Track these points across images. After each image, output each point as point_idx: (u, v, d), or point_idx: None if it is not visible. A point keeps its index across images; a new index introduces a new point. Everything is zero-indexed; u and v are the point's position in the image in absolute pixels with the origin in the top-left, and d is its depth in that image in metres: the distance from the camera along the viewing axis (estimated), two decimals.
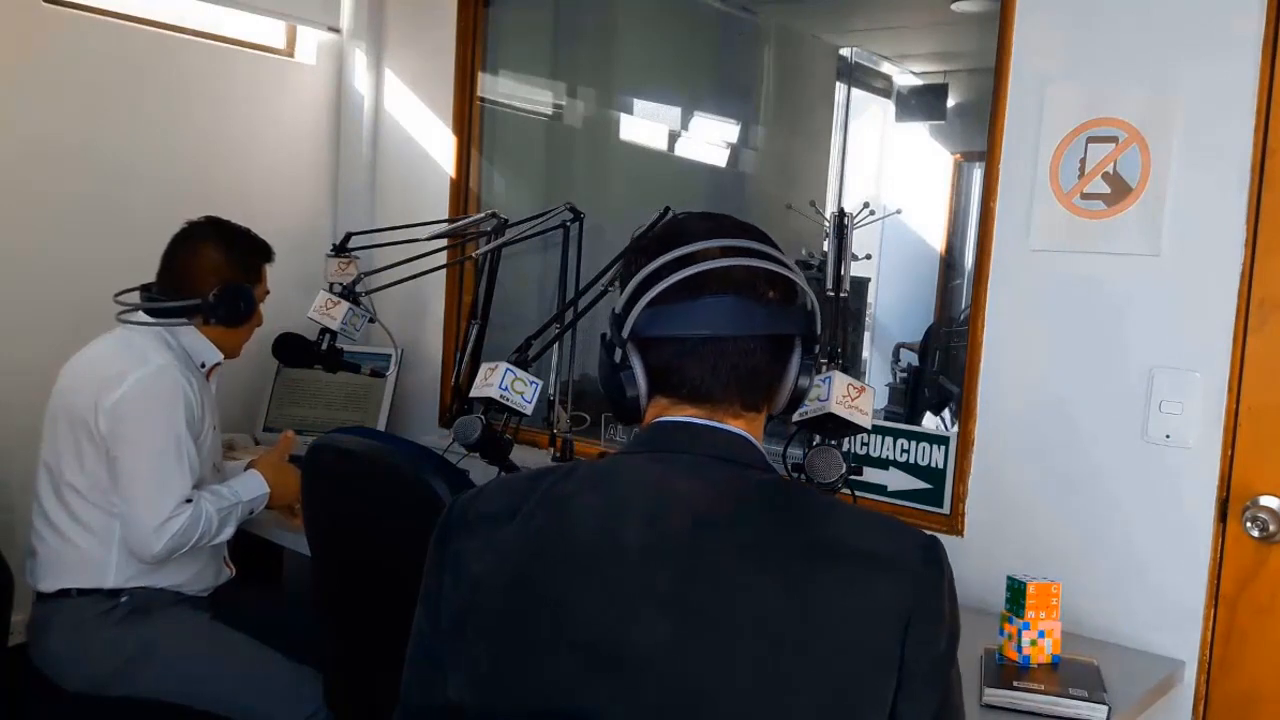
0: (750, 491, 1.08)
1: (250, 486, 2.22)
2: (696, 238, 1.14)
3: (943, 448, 2.27)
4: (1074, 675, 1.72)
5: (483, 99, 3.10)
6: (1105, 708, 1.61)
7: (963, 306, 2.50)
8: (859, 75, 3.07)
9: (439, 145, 3.12)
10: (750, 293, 1.12)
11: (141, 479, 2.04)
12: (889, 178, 3.02)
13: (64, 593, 2.09)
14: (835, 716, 0.98)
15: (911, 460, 2.31)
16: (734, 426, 1.12)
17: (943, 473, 2.26)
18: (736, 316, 1.11)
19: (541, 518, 1.09)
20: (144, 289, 2.22)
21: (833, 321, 2.07)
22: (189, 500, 2.08)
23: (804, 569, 1.00)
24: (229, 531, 2.17)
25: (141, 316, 2.17)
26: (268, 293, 2.33)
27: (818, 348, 1.18)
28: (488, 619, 1.07)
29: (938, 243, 2.91)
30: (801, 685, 0.98)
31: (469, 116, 3.09)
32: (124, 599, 2.10)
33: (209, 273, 2.20)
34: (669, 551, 1.03)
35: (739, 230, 1.18)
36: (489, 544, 1.09)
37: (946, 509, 2.23)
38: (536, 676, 1.04)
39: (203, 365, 2.22)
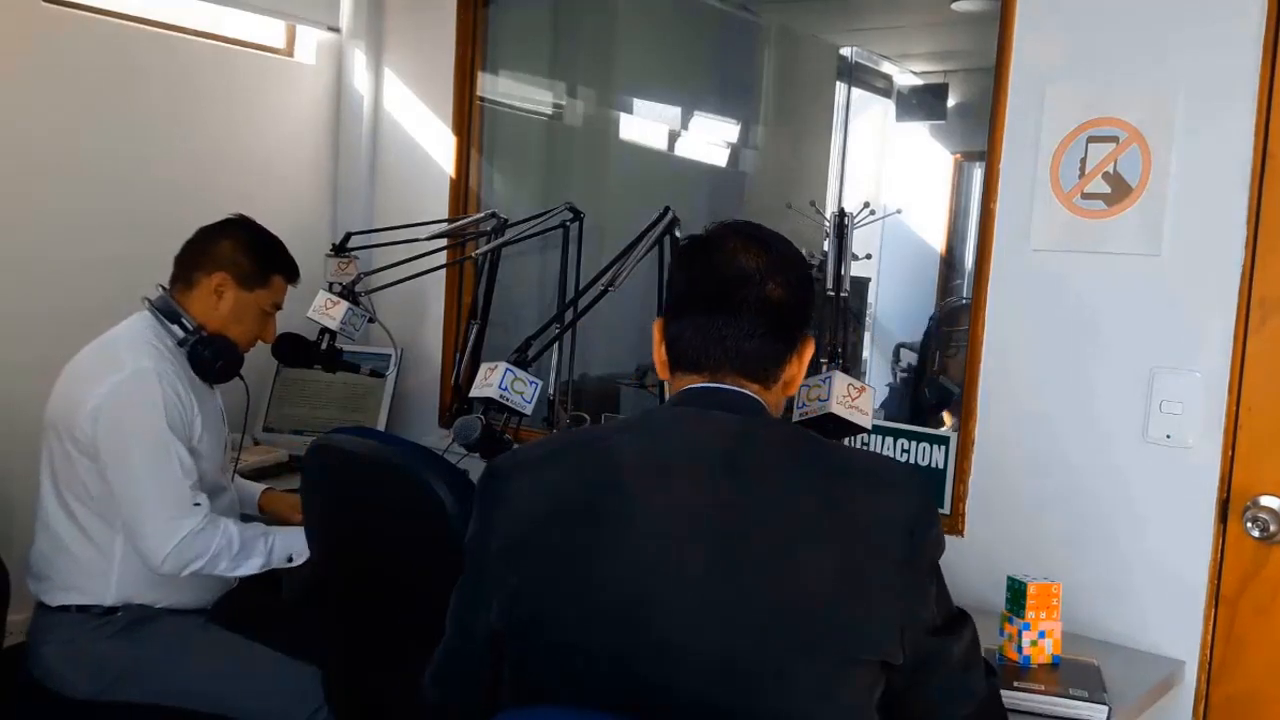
0: (770, 427, 1.27)
1: (290, 534, 2.14)
2: (717, 237, 1.34)
3: (943, 448, 2.27)
4: (1074, 675, 1.72)
5: (483, 99, 3.10)
6: (1105, 708, 1.61)
7: (962, 304, 2.50)
8: (859, 75, 3.07)
9: (439, 145, 3.12)
10: (756, 281, 1.28)
11: (138, 485, 2.00)
12: (889, 178, 3.02)
13: (64, 608, 2.07)
14: (856, 597, 1.15)
15: (911, 460, 2.31)
16: (742, 388, 1.27)
17: (943, 473, 2.26)
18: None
19: (582, 453, 1.27)
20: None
21: (833, 321, 2.07)
22: (197, 504, 2.04)
23: (826, 482, 1.20)
24: (254, 564, 2.08)
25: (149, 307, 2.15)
26: (278, 307, 2.29)
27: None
28: (538, 544, 1.21)
29: (938, 243, 2.91)
30: (833, 577, 1.14)
31: (469, 116, 3.08)
32: (119, 614, 2.07)
33: (217, 260, 2.17)
34: (711, 471, 1.19)
35: (758, 233, 1.36)
36: (535, 484, 1.25)
37: (946, 509, 2.23)
38: (598, 583, 1.17)
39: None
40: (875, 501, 1.19)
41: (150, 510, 2.01)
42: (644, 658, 1.15)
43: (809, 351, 1.34)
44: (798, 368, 1.33)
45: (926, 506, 1.21)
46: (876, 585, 1.16)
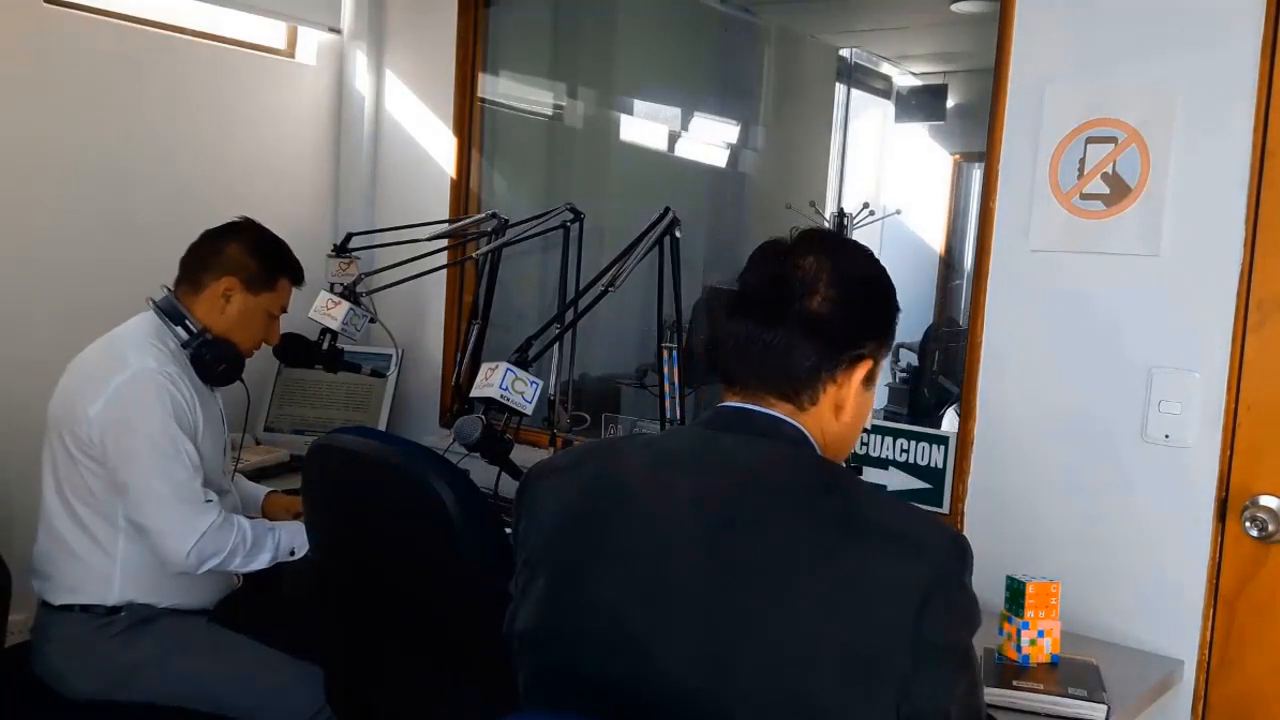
0: (794, 461, 1.16)
1: (292, 528, 2.16)
2: (788, 243, 1.24)
3: (942, 448, 2.28)
4: (1073, 675, 1.72)
5: (483, 99, 3.11)
6: (1104, 707, 1.61)
7: (962, 306, 2.50)
8: (859, 76, 3.08)
9: (439, 145, 3.12)
10: (799, 290, 1.18)
11: (152, 485, 2.00)
12: (888, 178, 3.03)
13: (67, 607, 2.07)
14: (851, 675, 1.02)
15: (911, 460, 2.31)
16: (776, 412, 1.19)
17: (942, 473, 2.27)
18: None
19: (598, 463, 1.24)
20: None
21: None
22: (209, 501, 2.05)
23: (836, 535, 1.07)
24: (264, 559, 2.10)
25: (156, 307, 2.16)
26: (284, 310, 2.30)
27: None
28: (548, 551, 1.20)
29: (937, 243, 2.92)
30: (822, 641, 1.02)
31: (469, 117, 3.09)
32: (122, 614, 2.08)
33: (224, 265, 2.17)
34: (713, 500, 1.11)
35: (830, 241, 1.27)
36: (555, 489, 1.23)
37: (946, 509, 2.23)
38: (587, 601, 1.14)
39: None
40: (889, 565, 1.03)
41: (168, 509, 2.01)
42: (631, 689, 1.09)
43: (859, 374, 1.20)
44: (846, 392, 1.20)
45: (949, 576, 1.04)
46: (878, 665, 1.02)
